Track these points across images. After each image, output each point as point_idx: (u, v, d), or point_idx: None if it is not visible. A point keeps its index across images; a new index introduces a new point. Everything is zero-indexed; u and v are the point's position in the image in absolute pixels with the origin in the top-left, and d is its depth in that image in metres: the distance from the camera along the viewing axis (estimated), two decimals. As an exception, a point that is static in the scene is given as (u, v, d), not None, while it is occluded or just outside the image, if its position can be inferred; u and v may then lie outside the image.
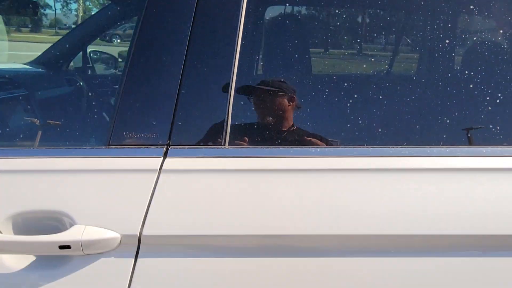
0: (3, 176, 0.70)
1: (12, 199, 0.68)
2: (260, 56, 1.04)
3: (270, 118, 0.84)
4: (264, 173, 0.74)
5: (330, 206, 0.72)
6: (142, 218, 0.69)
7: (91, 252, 0.66)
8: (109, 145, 0.73)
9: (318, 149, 0.78)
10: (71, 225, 0.66)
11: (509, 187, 0.73)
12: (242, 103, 0.82)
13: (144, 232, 0.68)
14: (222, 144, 0.75)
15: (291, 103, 0.84)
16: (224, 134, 0.75)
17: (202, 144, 0.75)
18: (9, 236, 0.67)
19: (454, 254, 0.73)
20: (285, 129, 0.83)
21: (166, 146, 0.73)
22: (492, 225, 0.71)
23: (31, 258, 0.68)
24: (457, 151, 0.77)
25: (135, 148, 0.73)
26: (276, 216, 0.71)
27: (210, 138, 0.76)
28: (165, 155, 0.73)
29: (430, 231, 0.71)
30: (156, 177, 0.70)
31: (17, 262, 0.67)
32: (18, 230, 0.68)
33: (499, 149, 0.77)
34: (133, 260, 0.69)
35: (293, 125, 0.84)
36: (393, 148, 0.77)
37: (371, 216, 0.71)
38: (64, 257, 0.67)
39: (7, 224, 0.67)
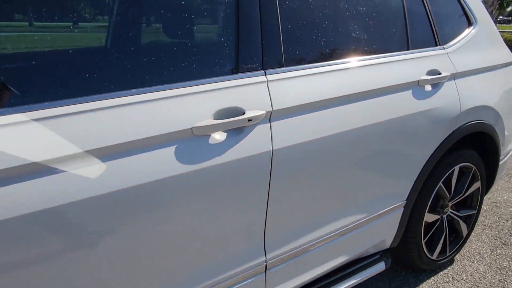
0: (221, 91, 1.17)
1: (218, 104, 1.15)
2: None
3: None
4: None
5: None
6: (270, 103, 1.21)
7: (255, 122, 1.17)
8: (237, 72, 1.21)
9: None
10: (243, 113, 1.17)
11: None
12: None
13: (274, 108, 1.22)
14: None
15: None
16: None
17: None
18: (219, 120, 1.12)
19: None
20: None
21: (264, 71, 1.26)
22: None
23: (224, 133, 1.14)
24: None
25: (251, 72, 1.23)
26: None
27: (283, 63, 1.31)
28: (265, 74, 1.25)
29: None
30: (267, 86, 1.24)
31: (220, 134, 1.13)
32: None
33: None
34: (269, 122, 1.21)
35: None
36: None
37: None
38: (243, 127, 1.17)
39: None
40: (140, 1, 1.15)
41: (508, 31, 15.87)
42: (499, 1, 13.66)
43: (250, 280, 1.33)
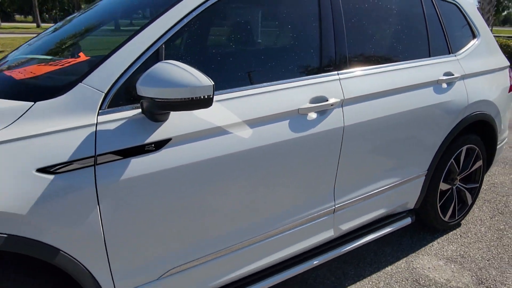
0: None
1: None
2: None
3: None
4: None
5: None
6: (342, 93, 1.77)
7: (333, 106, 1.74)
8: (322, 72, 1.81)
9: None
10: (327, 100, 1.72)
11: None
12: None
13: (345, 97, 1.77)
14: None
15: None
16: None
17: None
18: (313, 104, 1.68)
19: None
20: None
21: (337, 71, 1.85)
22: None
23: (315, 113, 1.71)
24: None
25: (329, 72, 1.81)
26: None
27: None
28: (338, 74, 1.83)
29: None
30: (340, 82, 1.81)
31: (314, 114, 1.72)
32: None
33: None
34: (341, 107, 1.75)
35: None
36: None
37: None
38: (326, 110, 1.74)
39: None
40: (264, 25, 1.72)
41: (503, 36, 16.54)
42: (495, 7, 14.30)
43: (324, 218, 1.89)
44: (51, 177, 1.14)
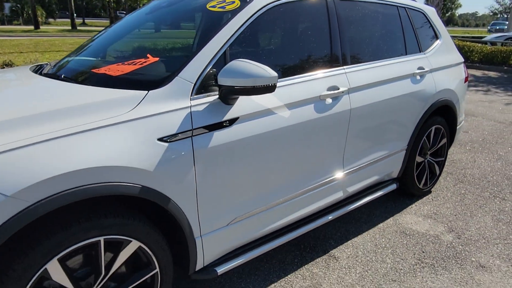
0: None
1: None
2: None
3: None
4: None
5: None
6: (348, 83, 2.31)
7: (343, 93, 2.30)
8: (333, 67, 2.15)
9: None
10: (338, 88, 2.23)
11: None
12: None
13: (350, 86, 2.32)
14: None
15: None
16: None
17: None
18: (330, 92, 2.19)
19: None
20: None
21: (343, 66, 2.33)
22: None
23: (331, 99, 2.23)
24: None
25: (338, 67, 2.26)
26: None
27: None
28: (344, 68, 2.39)
29: None
30: (346, 75, 2.38)
31: (330, 99, 2.25)
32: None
33: None
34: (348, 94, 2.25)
35: None
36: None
37: None
38: (338, 96, 2.28)
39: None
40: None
41: (459, 37, 18.11)
42: (442, 10, 15.66)
43: (336, 181, 2.42)
44: (166, 144, 1.57)
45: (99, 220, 1.45)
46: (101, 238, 1.47)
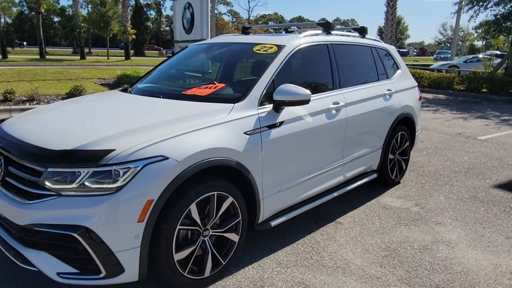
0: None
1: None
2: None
3: None
4: None
5: None
6: (344, 100, 2.97)
7: (341, 106, 3.28)
8: (334, 89, 3.13)
9: None
10: (339, 103, 3.04)
11: None
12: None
13: (346, 102, 3.02)
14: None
15: None
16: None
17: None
18: (334, 105, 2.97)
19: None
20: None
21: (340, 89, 3.18)
22: None
23: (335, 110, 3.32)
24: None
25: (336, 90, 3.07)
26: None
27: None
28: (340, 89, 3.20)
29: None
30: (342, 94, 3.20)
31: (334, 110, 3.02)
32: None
33: None
34: (345, 107, 2.94)
35: None
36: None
37: None
38: (339, 108, 3.35)
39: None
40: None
41: (410, 65, 20.37)
42: (395, 41, 17.74)
43: (340, 168, 3.46)
44: (247, 136, 2.55)
45: (215, 181, 2.39)
46: (215, 193, 2.39)
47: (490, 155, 5.90)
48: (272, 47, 3.10)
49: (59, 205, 2.00)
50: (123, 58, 32.68)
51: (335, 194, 3.48)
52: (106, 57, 32.70)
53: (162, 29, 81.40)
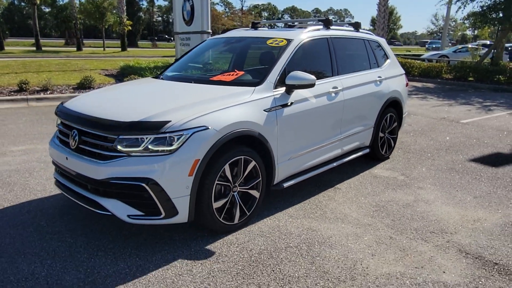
0: None
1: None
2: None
3: None
4: None
5: None
6: (342, 85, 3.65)
7: (340, 90, 3.73)
8: (333, 76, 3.75)
9: None
10: (337, 87, 3.66)
11: None
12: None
13: (343, 87, 3.67)
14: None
15: None
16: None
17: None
18: (333, 89, 3.56)
19: None
20: None
21: (337, 75, 3.76)
22: None
23: (335, 93, 3.63)
24: None
25: (334, 76, 3.71)
26: None
27: None
28: (337, 76, 3.75)
29: None
30: (340, 80, 3.72)
31: (334, 93, 3.60)
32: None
33: None
34: (342, 91, 3.62)
35: None
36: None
37: None
38: (338, 91, 3.85)
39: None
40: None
41: (402, 55, 21.13)
42: (387, 32, 18.40)
43: (338, 142, 4.13)
44: (266, 113, 3.20)
45: (242, 148, 3.04)
46: (242, 157, 3.05)
47: (469, 135, 6.62)
48: (282, 41, 3.74)
49: (129, 163, 2.65)
50: (119, 49, 32.94)
51: (334, 164, 4.16)
52: (102, 49, 32.92)
53: (154, 20, 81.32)
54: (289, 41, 3.73)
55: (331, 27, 4.38)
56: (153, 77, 4.15)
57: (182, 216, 2.77)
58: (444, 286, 2.48)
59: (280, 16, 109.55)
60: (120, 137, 2.69)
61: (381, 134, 4.96)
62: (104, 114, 2.86)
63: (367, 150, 4.77)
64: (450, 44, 39.67)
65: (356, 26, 4.89)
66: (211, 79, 3.60)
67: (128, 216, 2.71)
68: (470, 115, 8.51)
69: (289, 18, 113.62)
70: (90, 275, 2.51)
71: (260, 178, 3.26)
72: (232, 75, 3.57)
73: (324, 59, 4.08)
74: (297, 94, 3.51)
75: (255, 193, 3.25)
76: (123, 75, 12.68)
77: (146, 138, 2.66)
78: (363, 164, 4.97)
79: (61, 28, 56.84)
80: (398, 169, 4.80)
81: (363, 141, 4.68)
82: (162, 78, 3.96)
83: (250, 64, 4.06)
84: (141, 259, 2.72)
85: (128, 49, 34.48)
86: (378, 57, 5.00)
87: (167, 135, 2.66)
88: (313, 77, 3.38)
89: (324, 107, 3.80)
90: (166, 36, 64.00)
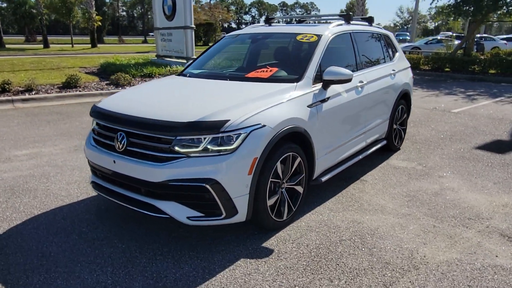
0: None
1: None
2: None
3: None
4: None
5: None
6: (365, 79, 3.72)
7: (363, 84, 3.81)
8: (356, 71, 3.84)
9: None
10: (363, 82, 3.82)
11: None
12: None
13: (365, 81, 3.81)
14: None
15: None
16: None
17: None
18: (359, 83, 3.66)
19: None
20: None
21: (358, 70, 3.91)
22: None
23: (361, 88, 3.81)
24: None
25: (358, 71, 3.80)
26: None
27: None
28: (358, 71, 3.87)
29: None
30: (363, 75, 3.82)
31: (360, 87, 3.68)
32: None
33: None
34: (364, 86, 3.71)
35: None
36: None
37: None
38: (363, 85, 4.01)
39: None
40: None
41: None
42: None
43: (363, 135, 4.22)
44: (309, 109, 3.22)
45: (290, 145, 3.05)
46: (291, 153, 3.05)
47: (465, 124, 6.92)
48: (312, 36, 3.76)
49: (188, 164, 2.59)
50: (88, 45, 31.76)
51: (360, 157, 4.24)
52: (71, 45, 31.62)
53: (118, 15, 78.69)
54: (319, 36, 3.75)
55: (351, 22, 4.43)
56: (177, 75, 4.06)
57: (241, 215, 2.75)
58: (502, 269, 2.61)
59: (247, 10, 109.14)
60: (178, 138, 2.62)
61: (394, 126, 5.10)
62: (156, 115, 2.77)
63: (384, 142, 4.89)
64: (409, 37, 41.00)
65: (369, 20, 4.98)
66: (246, 76, 3.56)
67: (188, 218, 2.66)
68: (458, 104, 8.87)
69: (256, 12, 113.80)
70: (159, 280, 2.45)
71: (304, 174, 3.28)
72: (266, 71, 3.56)
73: (349, 54, 4.13)
74: (332, 89, 3.54)
75: (300, 189, 3.27)
76: (105, 72, 12.26)
77: (205, 138, 2.62)
78: (378, 155, 5.09)
79: (21, 24, 53.96)
80: (413, 159, 4.96)
81: (381, 133, 4.79)
82: (188, 76, 3.88)
83: (280, 60, 4.05)
84: (202, 260, 2.69)
85: (100, 45, 33.32)
86: (390, 50, 5.12)
87: (227, 134, 2.63)
88: (349, 72, 3.42)
89: (354, 101, 3.86)
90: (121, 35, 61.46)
